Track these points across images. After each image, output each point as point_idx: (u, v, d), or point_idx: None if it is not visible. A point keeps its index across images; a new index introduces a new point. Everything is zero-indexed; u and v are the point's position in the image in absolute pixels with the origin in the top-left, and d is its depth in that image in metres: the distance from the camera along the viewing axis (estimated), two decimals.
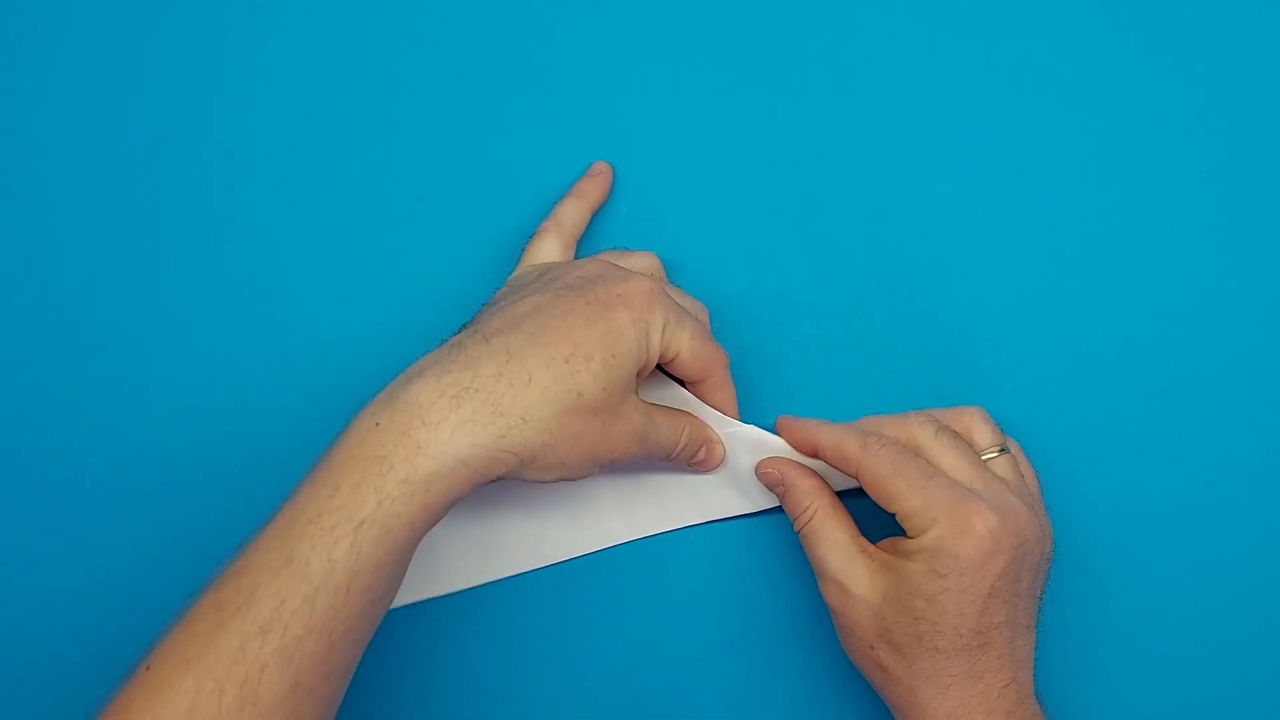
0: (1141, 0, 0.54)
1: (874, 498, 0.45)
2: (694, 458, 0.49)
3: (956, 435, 0.46)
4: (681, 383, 0.49)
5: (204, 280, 0.53)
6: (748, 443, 0.49)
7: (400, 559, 0.41)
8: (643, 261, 0.51)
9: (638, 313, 0.44)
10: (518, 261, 0.51)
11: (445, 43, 0.55)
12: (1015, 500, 0.44)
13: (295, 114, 0.54)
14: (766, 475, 0.49)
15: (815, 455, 0.47)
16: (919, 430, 0.46)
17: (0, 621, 0.50)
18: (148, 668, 0.38)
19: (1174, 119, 0.54)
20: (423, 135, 0.54)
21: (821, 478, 0.48)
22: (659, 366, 0.48)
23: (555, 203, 0.52)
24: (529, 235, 0.52)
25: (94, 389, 0.52)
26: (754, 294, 0.53)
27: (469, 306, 0.51)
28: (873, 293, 0.53)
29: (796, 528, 0.47)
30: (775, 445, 0.49)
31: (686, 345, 0.46)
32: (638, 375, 0.45)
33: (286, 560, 0.39)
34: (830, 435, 0.46)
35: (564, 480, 0.44)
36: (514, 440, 0.41)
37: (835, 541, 0.46)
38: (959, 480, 0.44)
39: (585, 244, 0.53)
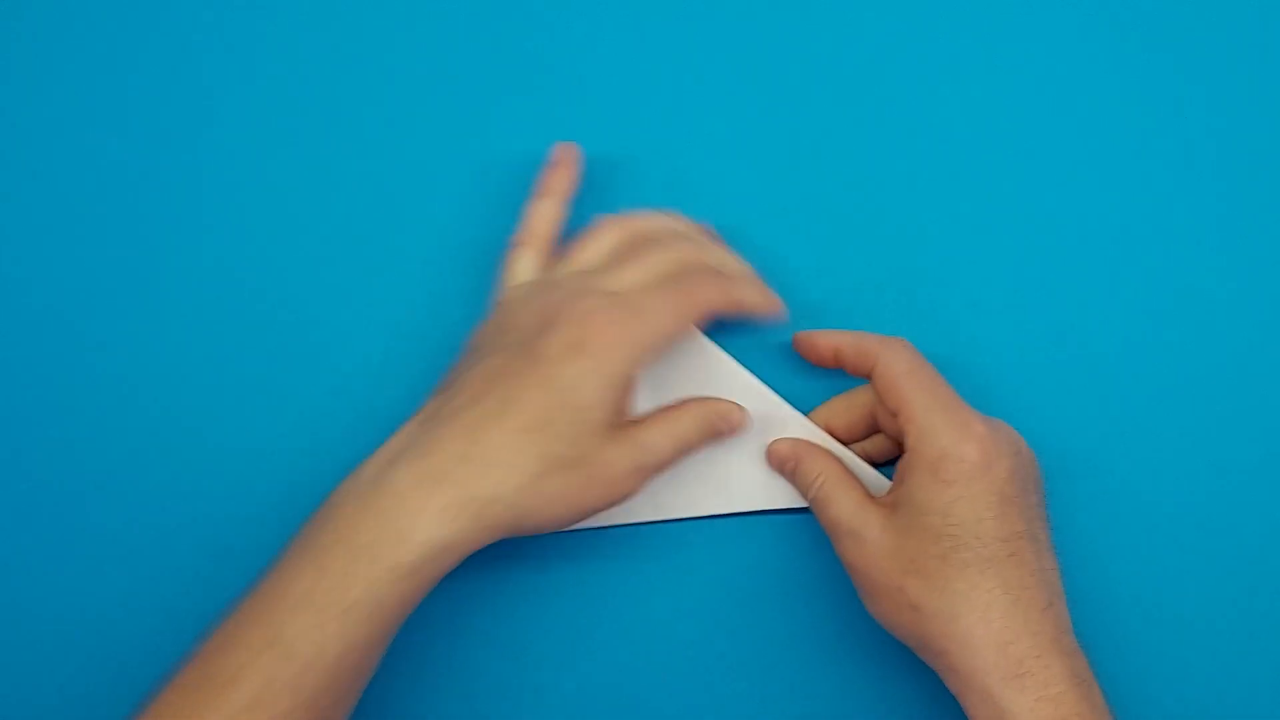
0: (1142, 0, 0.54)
1: (881, 394, 0.46)
2: (716, 438, 0.48)
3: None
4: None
5: (200, 281, 0.53)
6: (770, 427, 0.49)
7: (391, 631, 0.42)
8: (659, 223, 0.50)
9: (594, 360, 0.44)
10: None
11: (439, 39, 0.54)
12: (997, 420, 0.46)
13: (293, 115, 0.54)
14: (776, 452, 0.49)
15: (836, 360, 0.48)
16: (904, 349, 0.47)
17: None
18: None
19: (1174, 119, 0.53)
20: (419, 134, 0.54)
21: (831, 452, 0.48)
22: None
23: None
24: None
25: (91, 389, 0.52)
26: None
27: (469, 307, 0.52)
28: (872, 296, 0.53)
29: (808, 496, 0.48)
30: (792, 427, 0.49)
31: (668, 339, 0.45)
32: (627, 405, 0.45)
33: (273, 641, 0.40)
34: (849, 335, 0.48)
35: (571, 526, 0.45)
36: (491, 519, 0.42)
37: (847, 499, 0.46)
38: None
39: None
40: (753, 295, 0.49)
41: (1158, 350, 0.52)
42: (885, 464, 0.50)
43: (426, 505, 0.42)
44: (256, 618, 0.41)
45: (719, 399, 0.49)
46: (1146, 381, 0.52)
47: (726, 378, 0.50)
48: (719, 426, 0.48)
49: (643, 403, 0.48)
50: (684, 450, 0.47)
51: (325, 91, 0.54)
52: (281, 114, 0.54)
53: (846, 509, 0.46)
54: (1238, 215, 0.52)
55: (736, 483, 0.50)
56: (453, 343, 0.50)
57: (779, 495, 0.50)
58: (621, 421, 0.45)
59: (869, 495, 0.46)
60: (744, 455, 0.50)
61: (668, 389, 0.49)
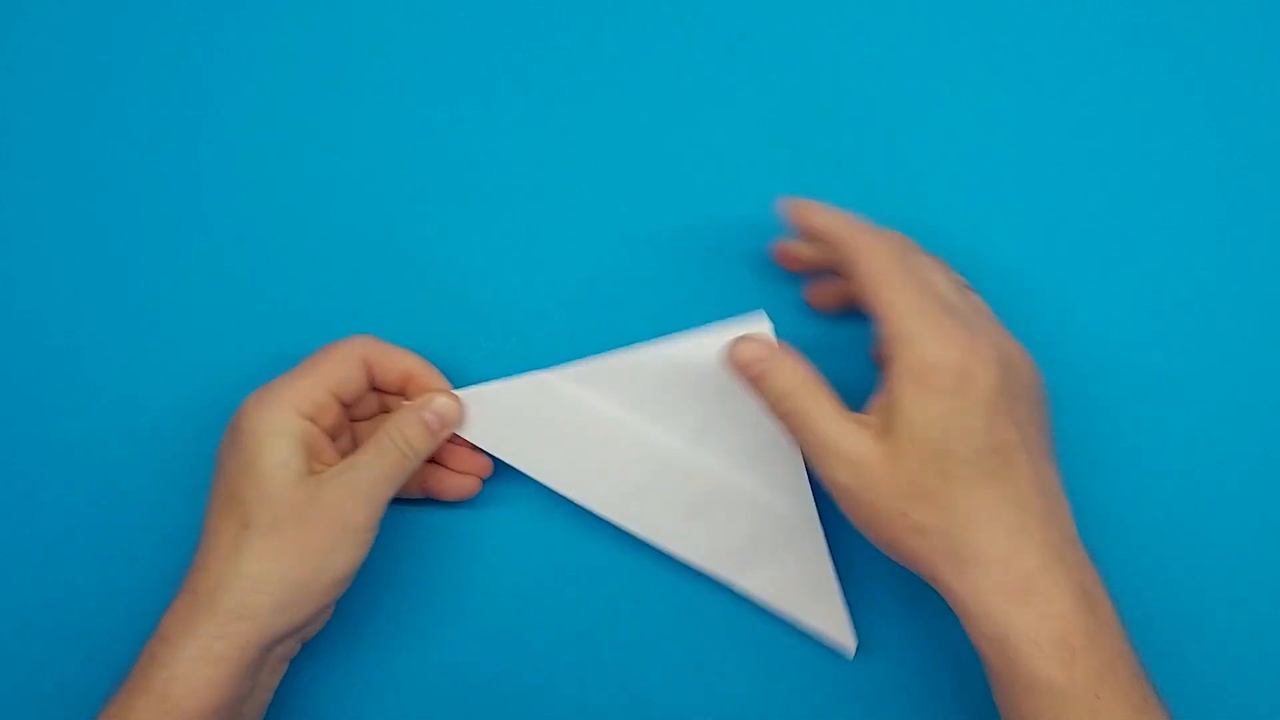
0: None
1: (860, 296, 0.43)
2: (433, 437, 0.48)
3: (936, 258, 0.46)
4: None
5: (195, 281, 0.53)
6: (792, 534, 0.48)
7: None
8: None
9: (247, 427, 0.45)
10: (515, 265, 0.52)
11: (433, 40, 0.54)
12: (992, 325, 0.44)
13: (290, 116, 0.54)
14: (740, 353, 0.45)
15: (815, 237, 0.46)
16: (905, 241, 0.45)
17: None
18: None
19: (1173, 119, 0.53)
20: (416, 137, 0.54)
21: (802, 358, 0.44)
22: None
23: (551, 204, 0.53)
24: (525, 233, 0.52)
25: (88, 389, 0.52)
26: (752, 300, 0.52)
27: (471, 308, 0.52)
28: None
29: (781, 411, 0.44)
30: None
31: (316, 383, 0.46)
32: (319, 452, 0.46)
33: None
34: (834, 215, 0.45)
35: (337, 588, 0.46)
36: (225, 609, 0.44)
37: (829, 414, 0.43)
38: (941, 295, 0.43)
39: (590, 234, 0.53)
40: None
41: (1161, 352, 0.52)
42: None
43: (172, 625, 0.44)
44: None
45: (419, 398, 0.48)
46: (1152, 384, 0.51)
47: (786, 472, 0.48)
48: (433, 431, 0.48)
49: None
50: (397, 455, 0.47)
51: (324, 95, 0.54)
52: (277, 116, 0.54)
53: (834, 426, 0.42)
54: (1237, 216, 0.52)
55: (752, 565, 0.49)
56: (453, 341, 0.51)
57: (785, 598, 0.49)
58: (323, 463, 0.46)
59: (847, 410, 0.43)
60: (762, 546, 0.49)
61: (730, 446, 0.48)
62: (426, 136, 0.54)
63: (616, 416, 0.49)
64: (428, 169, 0.53)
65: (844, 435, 0.42)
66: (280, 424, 0.45)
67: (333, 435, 0.48)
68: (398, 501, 0.47)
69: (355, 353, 0.48)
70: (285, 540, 0.44)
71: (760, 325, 0.46)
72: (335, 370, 0.47)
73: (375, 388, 0.50)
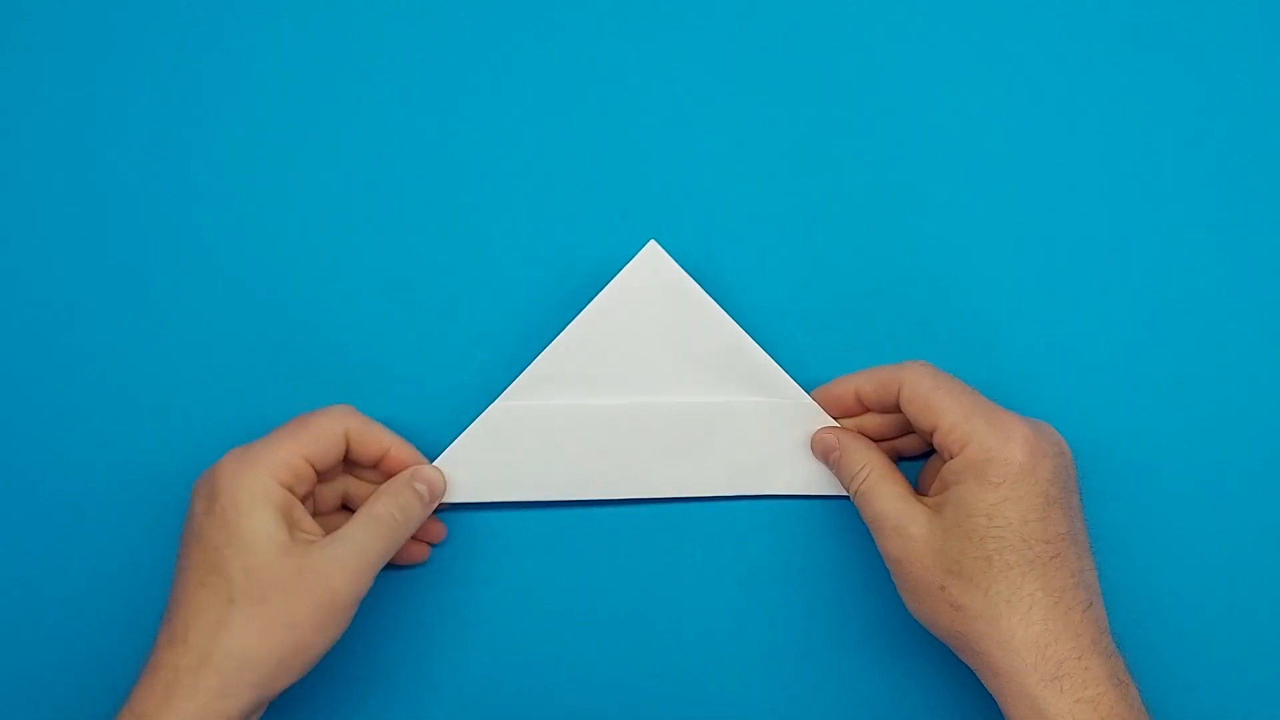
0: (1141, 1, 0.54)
1: (914, 416, 0.46)
2: (424, 505, 0.48)
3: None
4: None
5: (194, 283, 0.53)
6: (798, 415, 0.50)
7: None
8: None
9: (226, 494, 0.44)
10: (517, 266, 0.52)
11: (426, 44, 0.54)
12: (1038, 420, 0.46)
13: (288, 116, 0.54)
14: (821, 440, 0.50)
15: (859, 402, 0.49)
16: (923, 367, 0.47)
17: None
18: None
19: (1173, 120, 0.53)
20: (413, 144, 0.53)
21: (874, 445, 0.49)
22: None
23: (547, 205, 0.52)
24: (524, 240, 0.52)
25: (85, 387, 0.52)
26: (747, 305, 0.52)
27: (477, 312, 0.52)
28: (869, 302, 0.53)
29: (852, 489, 0.48)
30: (824, 418, 0.50)
31: (295, 450, 0.46)
32: (297, 521, 0.45)
33: None
34: (864, 373, 0.49)
35: (315, 659, 0.44)
36: (208, 689, 0.43)
37: (892, 495, 0.46)
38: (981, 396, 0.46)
39: (590, 244, 0.53)
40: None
41: (1161, 353, 0.52)
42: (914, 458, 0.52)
43: (148, 704, 0.42)
44: None
45: (408, 469, 0.49)
46: (1155, 383, 0.52)
47: (758, 371, 0.50)
48: (416, 491, 0.48)
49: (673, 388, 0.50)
50: (386, 526, 0.46)
51: (324, 96, 0.54)
52: (272, 115, 0.54)
53: (892, 505, 0.46)
54: (1237, 217, 0.53)
55: (772, 467, 0.51)
56: (454, 343, 0.52)
57: (815, 482, 0.51)
58: (305, 532, 0.46)
59: (913, 491, 0.47)
60: (780, 443, 0.50)
61: (693, 374, 0.50)
62: (410, 147, 0.53)
63: (586, 403, 0.50)
64: (412, 180, 0.53)
65: (901, 512, 0.46)
66: (262, 492, 0.44)
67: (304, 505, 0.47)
68: None
69: (337, 425, 0.47)
70: (271, 616, 0.43)
71: (653, 252, 0.49)
72: (316, 440, 0.47)
73: (348, 460, 0.49)
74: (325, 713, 0.51)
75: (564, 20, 0.54)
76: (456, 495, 0.50)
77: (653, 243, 0.50)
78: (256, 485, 0.44)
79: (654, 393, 0.50)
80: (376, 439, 0.48)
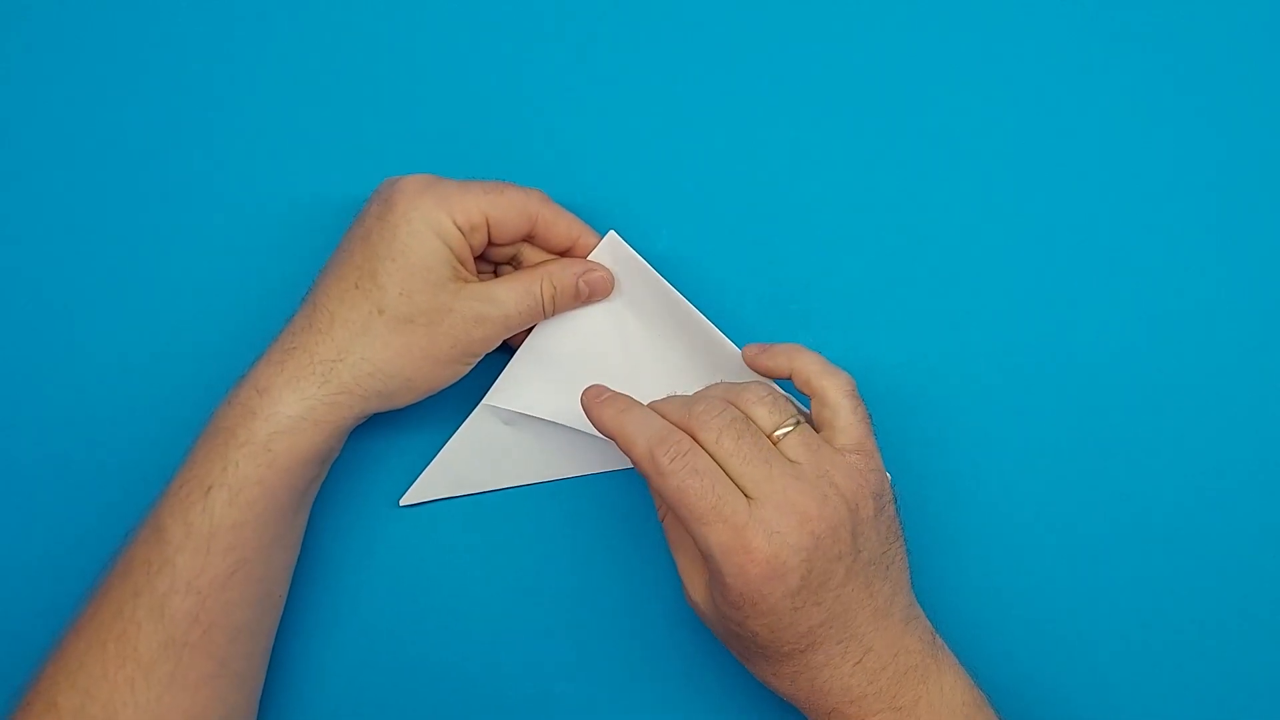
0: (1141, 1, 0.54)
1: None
2: (577, 301, 0.49)
3: (745, 423, 0.43)
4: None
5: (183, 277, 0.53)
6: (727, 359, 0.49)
7: (263, 518, 0.44)
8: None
9: (403, 209, 0.45)
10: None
11: (418, 43, 0.55)
12: (804, 488, 0.42)
13: (288, 116, 0.54)
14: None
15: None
16: (703, 427, 0.43)
17: None
18: (58, 643, 0.44)
19: (1173, 120, 0.54)
20: (413, 146, 0.54)
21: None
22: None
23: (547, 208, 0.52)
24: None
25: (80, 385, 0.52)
26: (746, 303, 0.53)
27: None
28: (868, 303, 0.53)
29: (659, 517, 0.48)
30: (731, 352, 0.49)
31: (481, 205, 0.46)
32: (462, 262, 0.46)
33: (154, 529, 0.44)
34: (637, 431, 0.43)
35: (429, 394, 0.46)
36: (339, 381, 0.44)
37: (685, 545, 0.46)
38: (743, 487, 0.42)
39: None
40: (563, 226, 0.48)
41: (1161, 353, 0.52)
42: None
43: (276, 379, 0.44)
44: (148, 515, 0.44)
45: (581, 260, 0.49)
46: (1155, 384, 0.52)
47: (722, 355, 0.50)
48: (579, 294, 0.48)
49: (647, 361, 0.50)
50: (536, 307, 0.47)
51: (324, 98, 0.54)
52: (269, 117, 0.54)
53: (681, 561, 0.46)
54: (1238, 216, 0.53)
55: None
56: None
57: None
58: (464, 275, 0.46)
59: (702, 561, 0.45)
60: None
61: (658, 360, 0.50)
62: (409, 148, 0.54)
63: (561, 403, 0.49)
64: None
65: (685, 570, 0.46)
66: (439, 223, 0.45)
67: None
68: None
69: (528, 205, 0.47)
70: (412, 340, 0.45)
71: (613, 242, 0.49)
72: (505, 206, 0.47)
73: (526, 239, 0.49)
74: (315, 705, 0.51)
75: (553, 12, 0.54)
76: (457, 492, 0.51)
77: (612, 233, 0.50)
78: (434, 215, 0.45)
79: (624, 381, 0.49)
80: (565, 229, 0.48)
